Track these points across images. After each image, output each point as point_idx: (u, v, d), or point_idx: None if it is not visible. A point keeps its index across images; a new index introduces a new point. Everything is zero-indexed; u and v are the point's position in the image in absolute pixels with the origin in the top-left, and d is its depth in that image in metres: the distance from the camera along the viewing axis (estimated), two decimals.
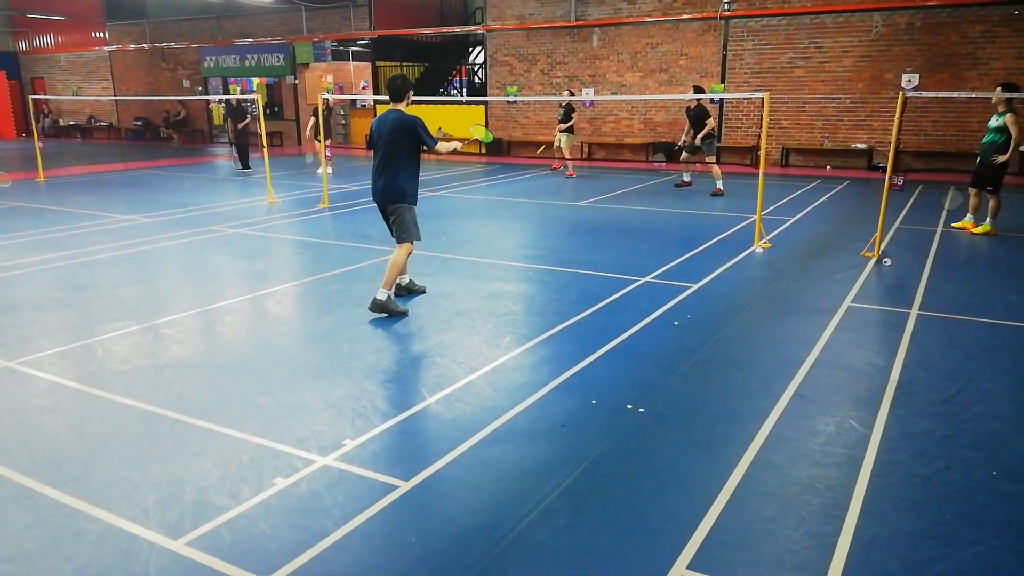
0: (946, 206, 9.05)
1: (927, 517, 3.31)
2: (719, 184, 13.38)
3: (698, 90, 13.20)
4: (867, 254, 8.26)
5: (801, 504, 3.41)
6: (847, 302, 6.57)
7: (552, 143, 16.83)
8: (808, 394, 4.63)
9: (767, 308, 6.51)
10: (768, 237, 9.04)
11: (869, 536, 3.17)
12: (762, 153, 8.96)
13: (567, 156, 16.23)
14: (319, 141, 14.29)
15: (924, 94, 9.02)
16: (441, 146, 6.23)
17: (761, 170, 8.81)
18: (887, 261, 8.00)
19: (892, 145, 8.07)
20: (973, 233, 9.58)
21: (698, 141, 13.40)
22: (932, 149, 16.35)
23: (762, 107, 8.76)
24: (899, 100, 7.82)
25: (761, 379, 4.91)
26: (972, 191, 9.77)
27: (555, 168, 17.61)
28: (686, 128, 14.01)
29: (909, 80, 16.16)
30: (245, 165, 17.73)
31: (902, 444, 3.99)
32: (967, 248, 9.02)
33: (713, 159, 13.55)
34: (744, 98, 17.49)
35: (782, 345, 5.56)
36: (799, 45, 17.16)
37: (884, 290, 7.16)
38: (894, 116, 7.82)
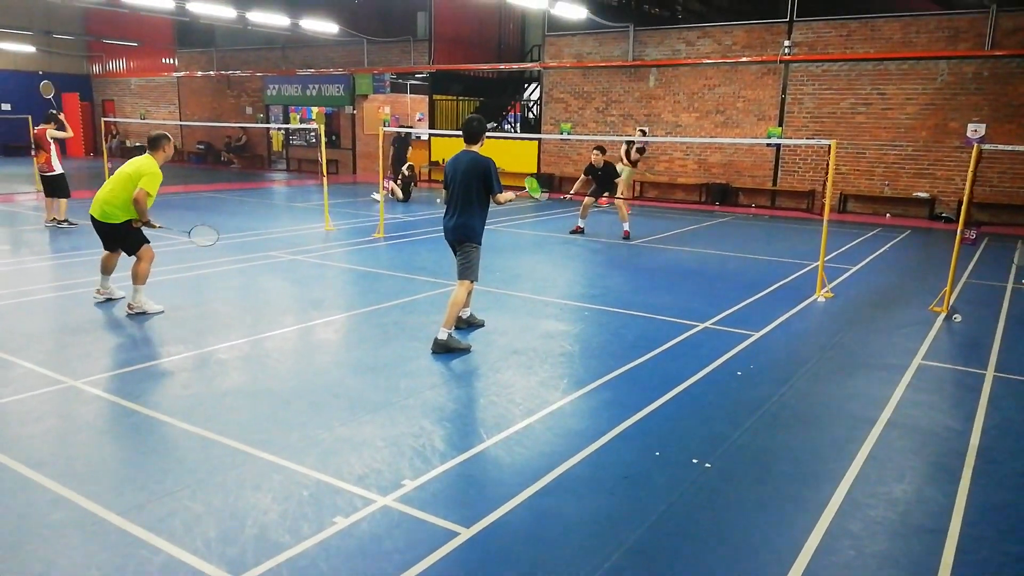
0: (1016, 261, 8.71)
1: None
2: (626, 226, 12.90)
3: (601, 149, 12.65)
4: (936, 308, 7.97)
5: None
6: (918, 359, 6.32)
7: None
8: (883, 457, 4.42)
9: (833, 361, 6.30)
10: (830, 286, 8.81)
11: None
12: (827, 201, 8.74)
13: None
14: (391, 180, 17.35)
15: (991, 147, 8.70)
16: (502, 196, 6.20)
17: (825, 217, 8.61)
18: (957, 317, 7.71)
19: (965, 198, 7.82)
20: None
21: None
22: (998, 201, 15.85)
23: (822, 153, 8.58)
24: (974, 153, 7.58)
25: (832, 438, 4.72)
26: None
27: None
28: (580, 182, 13.43)
29: (975, 130, 15.76)
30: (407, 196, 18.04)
31: (988, 517, 3.77)
32: None
33: (622, 198, 13.18)
34: (807, 144, 17.27)
35: (852, 402, 5.35)
36: (861, 91, 16.91)
37: (956, 348, 6.88)
38: (958, 165, 7.61)
